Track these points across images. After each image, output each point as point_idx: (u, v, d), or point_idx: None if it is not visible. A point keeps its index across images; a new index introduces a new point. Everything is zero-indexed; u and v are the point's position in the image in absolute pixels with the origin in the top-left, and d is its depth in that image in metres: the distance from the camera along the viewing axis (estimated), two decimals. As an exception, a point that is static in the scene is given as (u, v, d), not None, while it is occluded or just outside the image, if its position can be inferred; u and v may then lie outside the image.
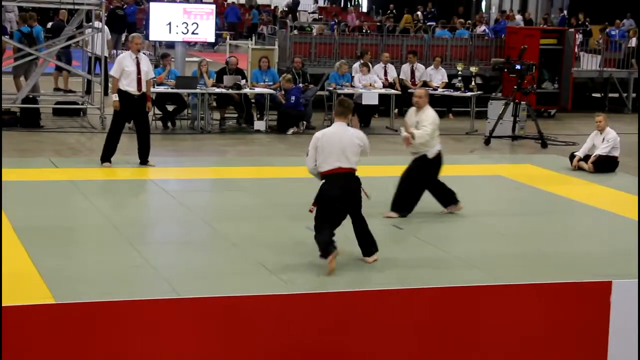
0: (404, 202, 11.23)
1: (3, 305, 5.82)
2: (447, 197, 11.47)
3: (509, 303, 6.87)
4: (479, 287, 7.25)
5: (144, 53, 24.41)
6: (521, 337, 6.90)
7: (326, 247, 9.02)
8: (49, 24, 24.19)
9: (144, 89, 13.62)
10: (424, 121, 11.03)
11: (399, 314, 6.58)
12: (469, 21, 31.29)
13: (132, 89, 13.52)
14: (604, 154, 14.72)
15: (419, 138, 11.00)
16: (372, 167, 15.24)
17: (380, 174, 14.57)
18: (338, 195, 9.17)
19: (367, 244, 9.41)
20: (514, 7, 42.98)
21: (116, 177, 13.44)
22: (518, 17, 35.71)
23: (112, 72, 13.75)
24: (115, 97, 13.52)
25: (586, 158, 14.82)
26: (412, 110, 11.31)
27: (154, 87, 15.43)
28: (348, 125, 9.48)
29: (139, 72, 13.52)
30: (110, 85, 14.42)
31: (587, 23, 30.92)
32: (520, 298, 6.93)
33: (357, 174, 9.32)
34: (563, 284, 7.34)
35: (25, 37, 18.47)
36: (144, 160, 13.83)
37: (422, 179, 11.24)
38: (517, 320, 6.87)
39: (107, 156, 13.70)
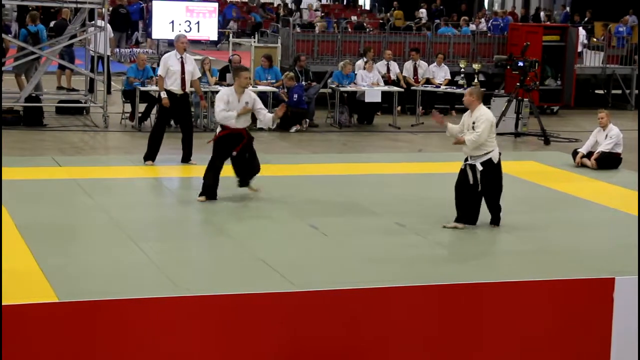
0: (495, 213, 10.83)
1: (6, 304, 5.83)
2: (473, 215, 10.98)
3: (512, 300, 6.88)
4: (482, 284, 7.24)
5: (145, 52, 24.51)
6: (524, 333, 6.91)
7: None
8: (52, 23, 24.19)
9: (187, 89, 13.81)
10: (478, 121, 10.64)
11: (403, 312, 6.58)
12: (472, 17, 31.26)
13: (175, 88, 13.72)
14: (607, 151, 14.70)
15: (470, 143, 10.63)
16: (374, 165, 15.27)
17: (381, 172, 14.59)
18: None
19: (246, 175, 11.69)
20: (517, 4, 42.95)
21: (119, 175, 13.45)
22: (541, 14, 35.60)
23: (159, 71, 14.06)
24: (163, 94, 13.74)
25: (589, 155, 14.79)
26: (468, 112, 10.93)
27: (155, 85, 15.44)
28: (242, 87, 11.58)
29: (183, 72, 13.69)
30: (156, 84, 14.76)
31: (587, 20, 30.87)
32: (524, 295, 6.94)
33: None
34: (566, 280, 7.35)
35: (30, 36, 18.49)
36: (186, 159, 13.99)
37: (499, 184, 10.85)
38: (521, 316, 6.88)
39: (150, 155, 13.84)
